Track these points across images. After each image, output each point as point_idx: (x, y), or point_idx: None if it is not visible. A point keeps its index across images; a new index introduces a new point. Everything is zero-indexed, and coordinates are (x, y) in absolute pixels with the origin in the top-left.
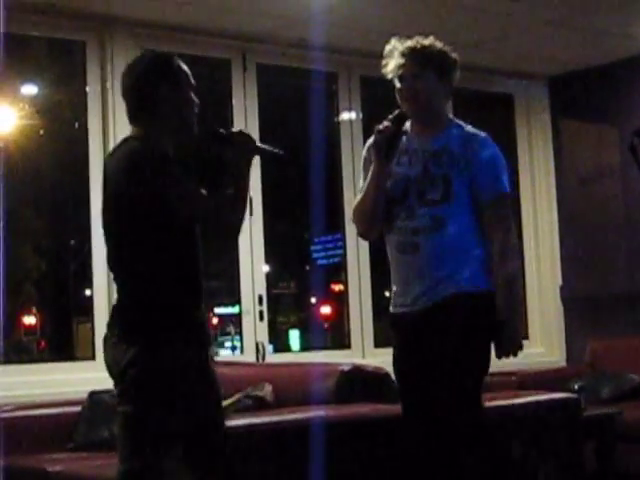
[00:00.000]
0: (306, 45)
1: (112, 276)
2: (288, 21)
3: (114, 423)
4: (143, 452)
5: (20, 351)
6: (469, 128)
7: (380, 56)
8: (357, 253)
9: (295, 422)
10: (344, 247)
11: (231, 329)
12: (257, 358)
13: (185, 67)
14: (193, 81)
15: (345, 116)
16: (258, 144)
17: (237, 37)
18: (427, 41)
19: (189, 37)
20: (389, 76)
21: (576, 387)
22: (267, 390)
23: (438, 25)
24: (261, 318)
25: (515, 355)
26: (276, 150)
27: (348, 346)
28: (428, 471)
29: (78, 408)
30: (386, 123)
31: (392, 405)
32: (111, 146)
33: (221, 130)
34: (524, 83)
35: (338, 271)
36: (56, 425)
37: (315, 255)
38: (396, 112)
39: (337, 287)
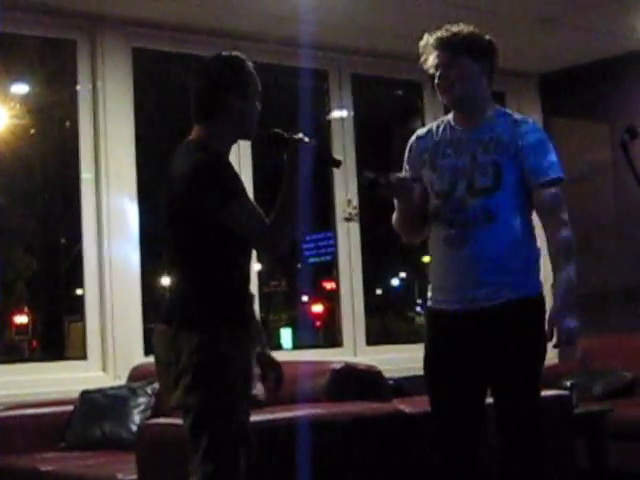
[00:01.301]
0: (296, 43)
1: (166, 271)
2: (278, 19)
3: (106, 422)
4: (226, 446)
5: (11, 351)
6: (516, 114)
7: (370, 54)
8: (349, 251)
9: (287, 420)
10: (335, 245)
11: None
12: None
13: (255, 73)
14: (260, 88)
15: (336, 114)
16: (317, 147)
17: (227, 35)
18: (455, 28)
19: (179, 35)
20: (430, 71)
21: (568, 384)
22: (260, 388)
23: (427, 23)
24: None
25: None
26: (337, 158)
27: (340, 344)
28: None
29: (70, 407)
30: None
31: (384, 403)
32: (102, 145)
33: (279, 132)
34: (515, 81)
35: (329, 269)
36: (48, 424)
37: (307, 253)
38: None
39: (329, 285)
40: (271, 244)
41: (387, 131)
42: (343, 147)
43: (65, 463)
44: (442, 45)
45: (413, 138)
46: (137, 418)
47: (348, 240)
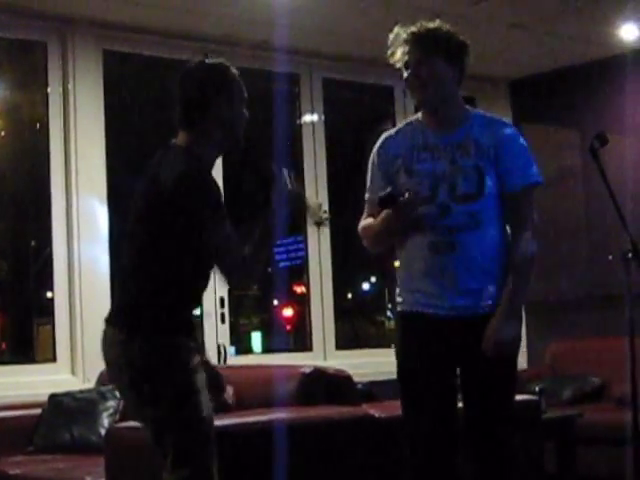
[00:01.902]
0: (268, 47)
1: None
2: (250, 23)
3: (75, 425)
4: (195, 449)
5: None
6: (489, 114)
7: (342, 59)
8: (319, 255)
9: (257, 424)
10: (306, 249)
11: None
12: (219, 360)
13: (240, 80)
14: (246, 95)
15: (307, 118)
16: (302, 195)
17: (199, 39)
18: (432, 24)
19: (151, 38)
20: (397, 65)
21: (537, 389)
22: (229, 392)
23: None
24: (222, 320)
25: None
26: (317, 212)
27: (310, 348)
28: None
29: (38, 411)
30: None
31: (354, 407)
32: (72, 147)
33: (273, 166)
34: (486, 86)
35: (300, 273)
36: (16, 428)
37: (277, 257)
38: (383, 197)
39: (299, 289)
40: (242, 276)
41: (358, 135)
42: (314, 151)
43: (33, 466)
44: (416, 41)
45: (381, 141)
46: (106, 422)
47: (318, 244)
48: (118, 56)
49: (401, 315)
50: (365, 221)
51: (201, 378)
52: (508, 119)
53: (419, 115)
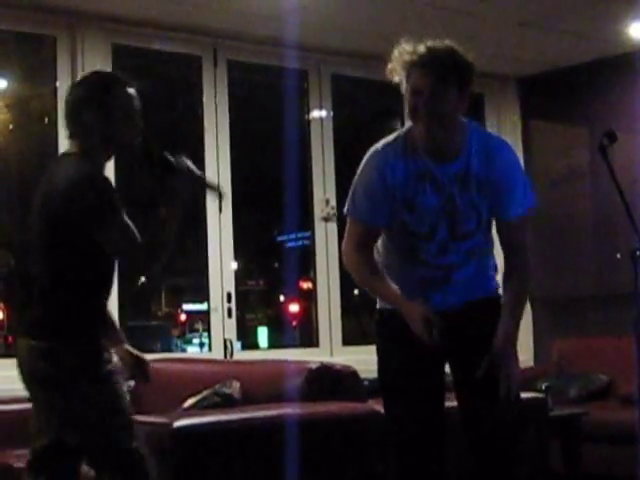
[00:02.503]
0: (277, 42)
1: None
2: (260, 18)
3: None
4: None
5: None
6: (488, 134)
7: (350, 55)
8: (326, 251)
9: (263, 419)
10: (313, 245)
11: (199, 326)
12: (225, 355)
13: (130, 91)
14: (137, 104)
15: (315, 114)
16: (202, 177)
17: (208, 33)
18: (447, 47)
19: (160, 33)
20: (395, 80)
21: (543, 387)
22: (235, 387)
23: (407, 24)
24: (229, 315)
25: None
26: (217, 188)
27: (316, 344)
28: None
29: None
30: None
31: (360, 403)
32: None
33: (168, 157)
34: (494, 83)
35: (306, 269)
36: (22, 421)
37: (284, 252)
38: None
39: (306, 285)
40: (142, 264)
41: (366, 131)
42: (322, 147)
43: None
44: (431, 67)
45: (382, 162)
46: None
47: (326, 240)
48: (127, 50)
49: (380, 313)
50: (359, 256)
51: (118, 381)
52: (516, 117)
53: (410, 131)
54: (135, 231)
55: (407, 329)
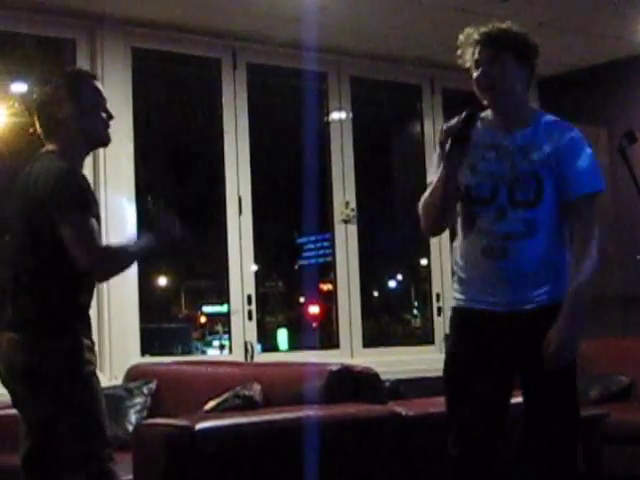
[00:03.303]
0: (297, 45)
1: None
2: (279, 20)
3: None
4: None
5: None
6: (558, 119)
7: (370, 57)
8: (346, 253)
9: (284, 422)
10: (333, 247)
11: (219, 328)
12: (246, 357)
13: (97, 85)
14: (104, 99)
15: (335, 116)
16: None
17: (228, 36)
18: (504, 25)
19: (180, 35)
20: (466, 65)
21: None
22: (256, 390)
23: (427, 26)
24: (250, 317)
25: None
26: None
27: (337, 346)
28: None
29: None
30: (453, 122)
31: (381, 405)
32: None
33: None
34: None
35: (327, 271)
36: None
37: (304, 254)
38: (466, 112)
39: (325, 287)
40: (101, 268)
41: (386, 133)
42: (341, 149)
43: None
44: (487, 41)
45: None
46: (133, 418)
47: (346, 242)
48: (147, 53)
49: (454, 309)
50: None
51: (98, 383)
52: None
53: (488, 113)
54: (96, 235)
55: (479, 328)
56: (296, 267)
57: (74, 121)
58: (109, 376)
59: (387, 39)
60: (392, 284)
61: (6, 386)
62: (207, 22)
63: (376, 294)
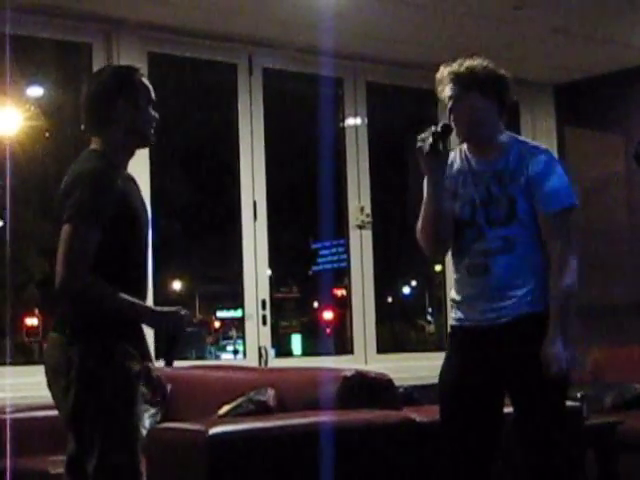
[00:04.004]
0: (312, 50)
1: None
2: (295, 26)
3: None
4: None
5: (22, 352)
6: (529, 144)
7: (385, 62)
8: (361, 258)
9: (298, 427)
10: (347, 252)
11: (233, 333)
12: (260, 362)
13: (146, 82)
14: (153, 96)
15: (350, 122)
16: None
17: (244, 41)
18: (469, 62)
19: (196, 40)
20: (445, 102)
21: (578, 396)
22: (270, 395)
23: (443, 32)
24: (264, 322)
25: (557, 377)
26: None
27: (351, 351)
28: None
29: None
30: (426, 133)
31: (395, 411)
32: None
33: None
34: (530, 91)
35: (341, 276)
36: (59, 427)
37: (318, 260)
38: (442, 123)
39: (340, 292)
40: (68, 285)
41: (401, 139)
42: (357, 154)
43: None
44: (455, 79)
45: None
46: (147, 422)
47: (360, 247)
48: (163, 58)
49: (452, 327)
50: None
51: (134, 389)
52: (552, 124)
53: (464, 147)
54: (85, 254)
55: (468, 343)
56: (310, 272)
57: (123, 118)
58: None
59: (403, 45)
60: (406, 290)
61: (48, 386)
62: (223, 27)
63: (390, 300)
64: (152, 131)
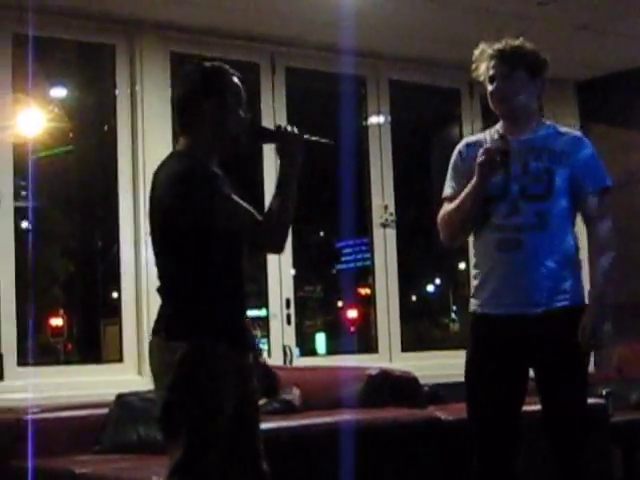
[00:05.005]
0: (335, 49)
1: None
2: (317, 24)
3: (141, 425)
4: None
5: (47, 353)
6: (562, 127)
7: (408, 60)
8: (385, 257)
9: (323, 426)
10: (371, 251)
11: (258, 332)
12: (284, 361)
13: (237, 81)
14: (244, 96)
15: (373, 120)
16: (305, 136)
17: (266, 40)
18: (517, 42)
19: (218, 40)
20: (480, 79)
21: (604, 393)
22: (295, 394)
23: (465, 29)
24: (288, 322)
25: (591, 349)
26: (324, 140)
27: (375, 350)
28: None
29: (105, 410)
30: (496, 144)
31: (420, 409)
32: (139, 149)
33: (265, 127)
34: (553, 87)
35: (365, 275)
36: (83, 427)
37: (342, 259)
38: (501, 134)
39: (363, 291)
40: (270, 240)
41: (424, 137)
42: (380, 153)
43: (100, 466)
44: (502, 57)
45: (462, 145)
46: None
47: (384, 246)
48: (185, 58)
49: (472, 315)
50: (443, 209)
51: (227, 388)
52: (575, 120)
53: (498, 126)
54: (252, 210)
55: (495, 333)
56: (334, 271)
57: (214, 116)
58: (148, 380)
59: (426, 42)
60: (430, 288)
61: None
62: (245, 27)
63: (414, 298)
64: (240, 133)
